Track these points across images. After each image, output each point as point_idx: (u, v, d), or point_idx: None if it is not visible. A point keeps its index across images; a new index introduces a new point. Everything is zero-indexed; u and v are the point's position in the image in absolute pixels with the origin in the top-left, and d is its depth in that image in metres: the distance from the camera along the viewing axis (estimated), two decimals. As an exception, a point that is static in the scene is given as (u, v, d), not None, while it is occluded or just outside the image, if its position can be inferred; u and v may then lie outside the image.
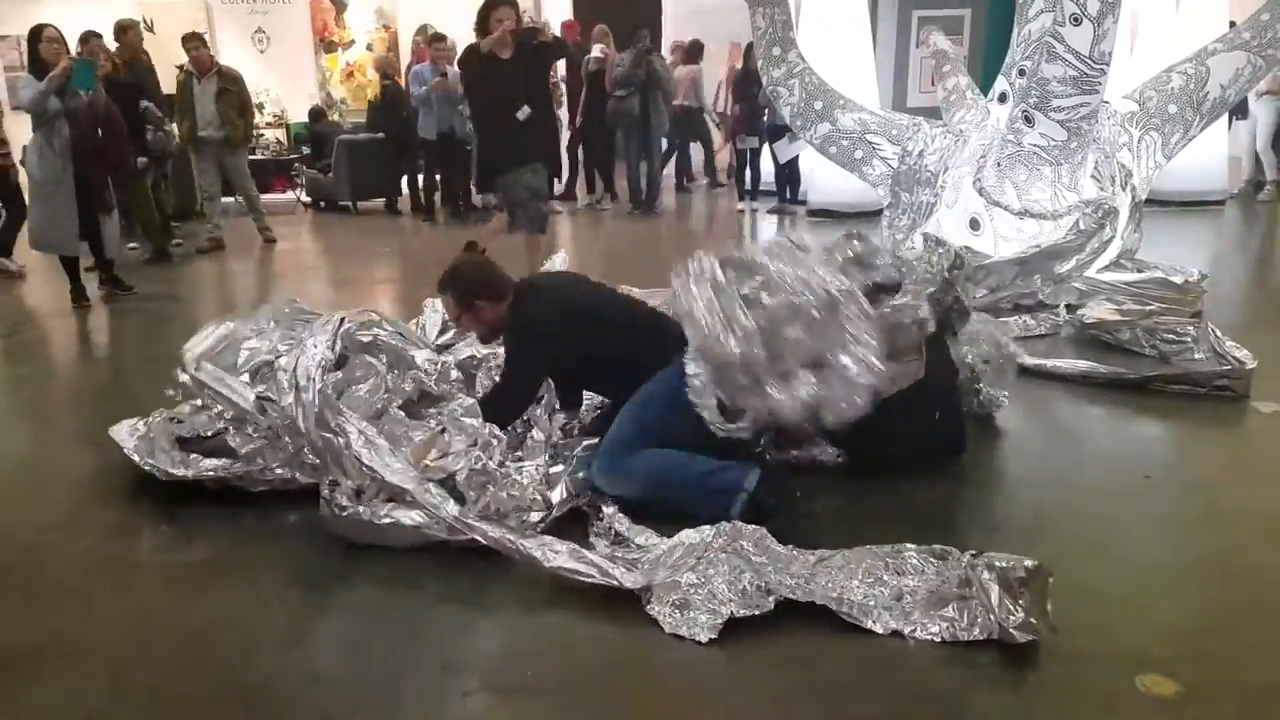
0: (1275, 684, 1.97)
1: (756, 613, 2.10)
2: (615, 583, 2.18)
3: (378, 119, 9.75)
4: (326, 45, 12.77)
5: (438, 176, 9.33)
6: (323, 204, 10.09)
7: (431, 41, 9.05)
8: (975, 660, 1.99)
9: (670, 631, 2.09)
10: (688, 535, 2.33)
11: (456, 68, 8.90)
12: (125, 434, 2.94)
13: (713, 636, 2.06)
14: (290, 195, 10.54)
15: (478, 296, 2.92)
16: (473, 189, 9.43)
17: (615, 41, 9.53)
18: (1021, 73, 4.45)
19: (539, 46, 5.25)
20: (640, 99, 9.46)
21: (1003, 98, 4.59)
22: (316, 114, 11.10)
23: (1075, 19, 3.46)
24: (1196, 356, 3.76)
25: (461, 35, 10.65)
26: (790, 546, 2.30)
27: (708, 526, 2.34)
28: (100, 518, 2.80)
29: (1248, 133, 9.13)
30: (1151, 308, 4.17)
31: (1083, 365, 3.81)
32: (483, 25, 5.04)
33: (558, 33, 6.33)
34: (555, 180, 9.37)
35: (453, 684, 1.99)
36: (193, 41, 7.62)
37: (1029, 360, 3.88)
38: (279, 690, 1.98)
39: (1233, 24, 6.01)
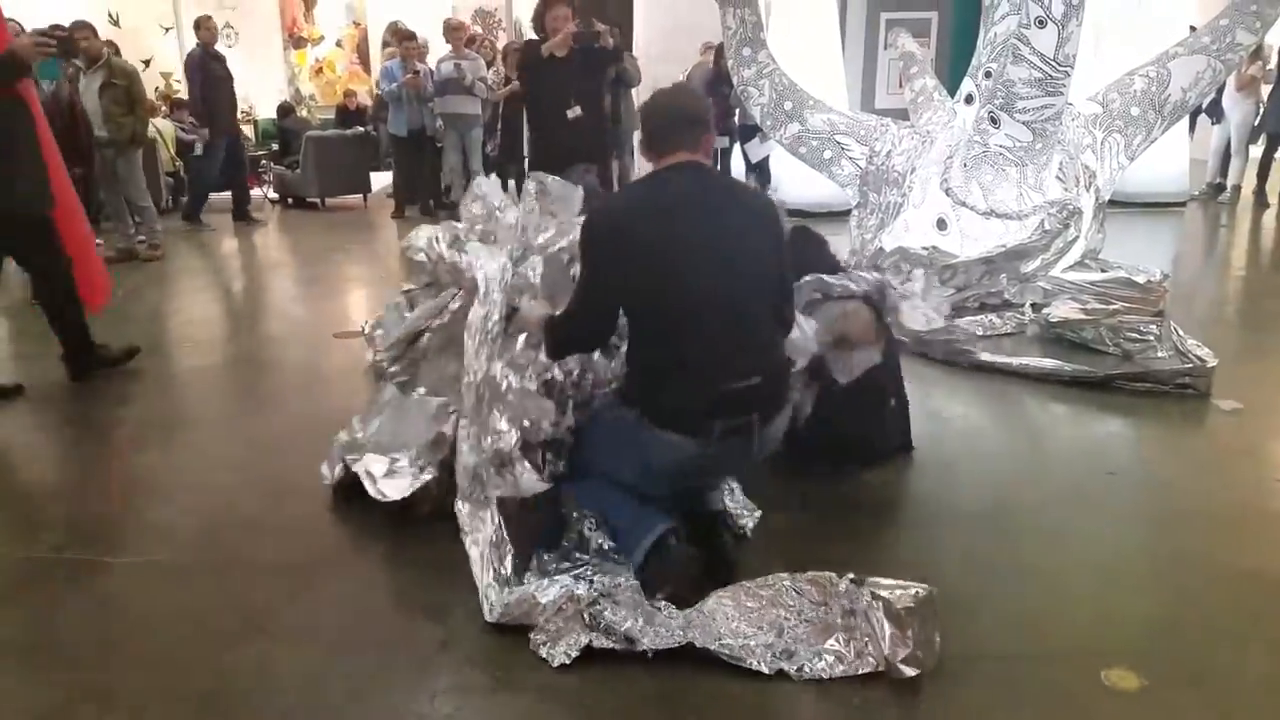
0: (1237, 676, 2.02)
1: (617, 648, 2.02)
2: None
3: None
4: (295, 41, 12.64)
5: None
6: (290, 200, 10.00)
7: (401, 39, 9.00)
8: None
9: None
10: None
11: (501, 65, 8.94)
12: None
13: (565, 662, 2.00)
14: (258, 192, 10.44)
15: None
16: (442, 184, 9.42)
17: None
18: (988, 74, 4.51)
19: (597, 50, 5.31)
20: (610, 97, 9.47)
21: (969, 99, 4.65)
22: (285, 110, 11.01)
23: (1040, 21, 3.51)
24: (1159, 355, 3.83)
25: (432, 32, 10.67)
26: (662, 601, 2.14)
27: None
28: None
29: (1220, 135, 9.31)
30: (1115, 307, 4.24)
31: (1048, 363, 3.87)
32: (539, 23, 5.16)
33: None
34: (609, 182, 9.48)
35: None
36: (83, 31, 6.61)
37: (995, 358, 3.94)
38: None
39: (1193, 28, 6.11)
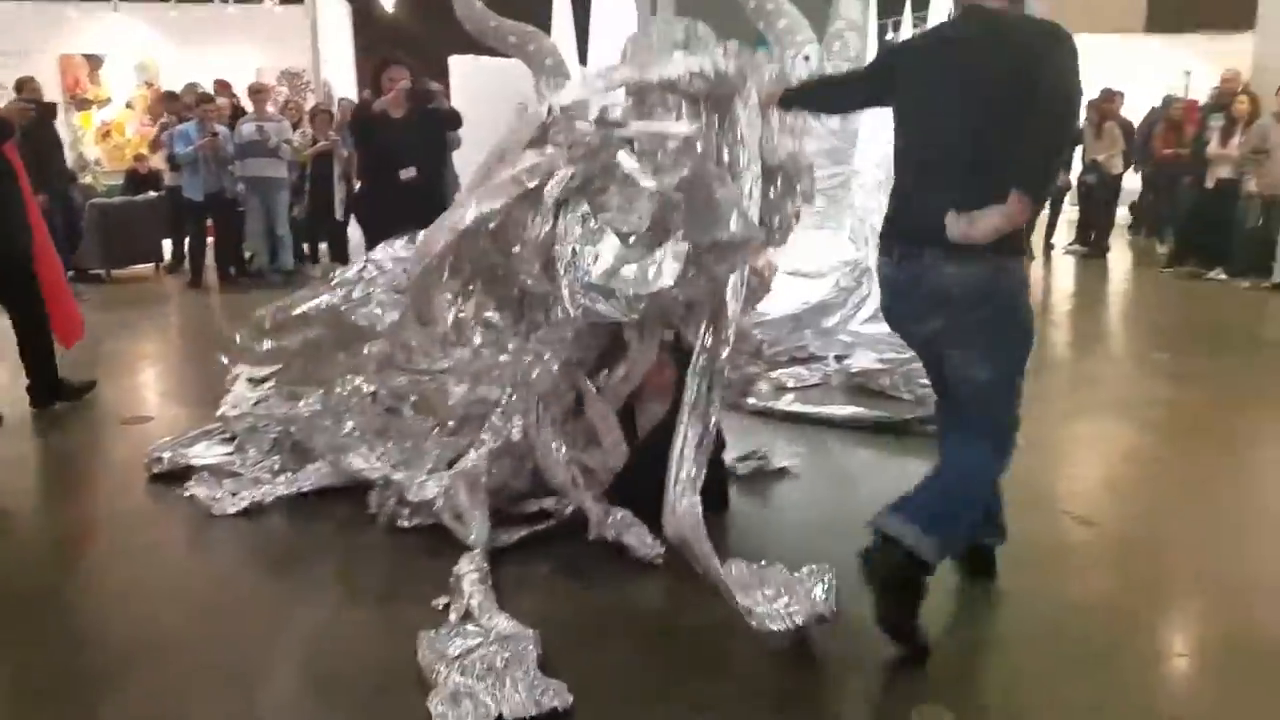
0: (1045, 707, 2.19)
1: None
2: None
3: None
4: (79, 103, 11.81)
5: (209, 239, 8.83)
6: (71, 273, 9.20)
7: (199, 101, 8.65)
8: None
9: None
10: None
11: (308, 127, 8.65)
12: None
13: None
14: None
15: None
16: (244, 252, 9.03)
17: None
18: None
19: (434, 111, 5.30)
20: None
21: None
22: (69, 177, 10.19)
23: None
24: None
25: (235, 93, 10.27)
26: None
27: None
28: None
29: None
30: (907, 355, 4.59)
31: (851, 411, 4.14)
32: (374, 84, 5.13)
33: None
34: None
35: None
36: None
37: (805, 408, 4.19)
38: None
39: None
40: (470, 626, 2.43)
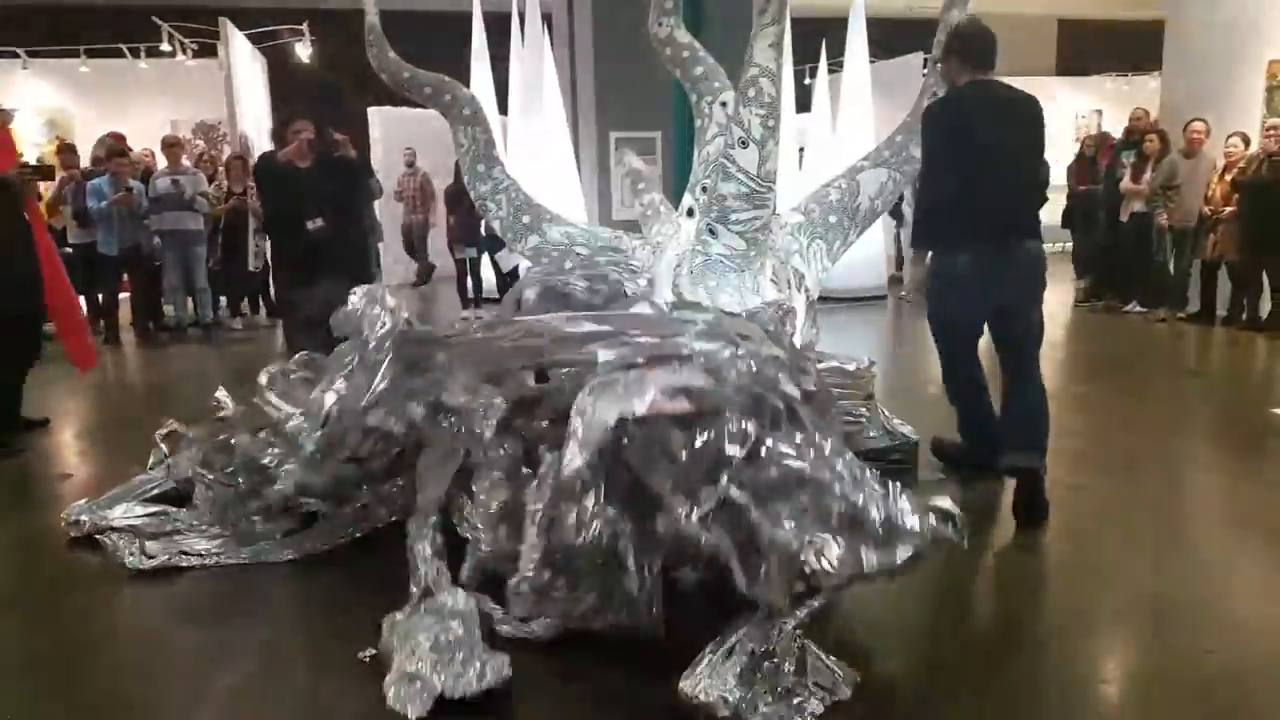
0: None
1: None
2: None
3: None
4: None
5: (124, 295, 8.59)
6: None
7: (110, 156, 8.44)
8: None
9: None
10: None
11: (224, 179, 8.49)
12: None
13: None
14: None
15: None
16: (165, 308, 8.81)
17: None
18: (704, 189, 4.88)
19: (339, 160, 5.26)
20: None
21: (690, 212, 5.00)
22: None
23: (743, 142, 3.86)
24: (870, 435, 4.21)
25: (147, 147, 10.07)
26: None
27: None
28: None
29: (904, 234, 10.63)
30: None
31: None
32: (279, 138, 5.17)
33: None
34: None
35: None
36: None
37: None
38: None
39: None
40: (425, 605, 2.55)
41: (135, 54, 12.37)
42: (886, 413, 4.30)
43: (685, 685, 2.13)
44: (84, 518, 3.56)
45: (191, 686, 2.50)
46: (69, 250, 9.10)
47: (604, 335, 2.82)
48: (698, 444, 2.34)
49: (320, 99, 8.88)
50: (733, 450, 2.33)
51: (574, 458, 2.35)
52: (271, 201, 5.43)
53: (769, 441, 2.39)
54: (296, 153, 4.98)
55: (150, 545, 3.34)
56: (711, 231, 4.15)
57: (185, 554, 3.31)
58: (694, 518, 2.28)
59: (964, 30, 3.82)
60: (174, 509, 3.62)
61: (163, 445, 4.07)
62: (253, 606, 3.02)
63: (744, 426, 2.37)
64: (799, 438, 2.41)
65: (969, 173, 3.61)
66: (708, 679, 2.13)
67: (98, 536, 3.45)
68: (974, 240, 3.67)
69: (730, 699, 2.09)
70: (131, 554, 3.28)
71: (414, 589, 2.64)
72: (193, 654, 2.70)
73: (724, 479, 2.30)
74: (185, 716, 2.37)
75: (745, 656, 2.19)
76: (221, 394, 4.36)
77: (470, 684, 2.24)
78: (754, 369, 2.53)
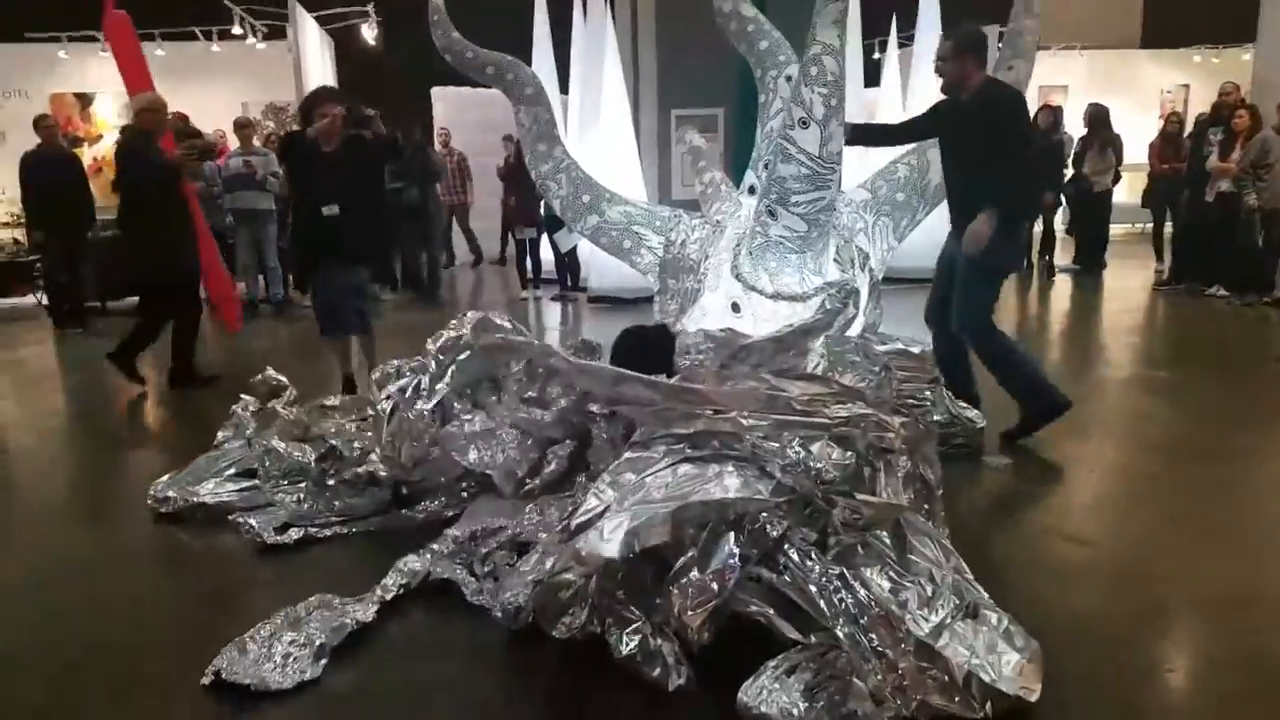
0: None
1: None
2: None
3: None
4: (71, 141, 11.87)
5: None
6: (67, 307, 9.23)
7: (181, 137, 8.65)
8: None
9: None
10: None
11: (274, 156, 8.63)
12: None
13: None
14: (31, 299, 9.61)
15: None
16: (238, 285, 9.00)
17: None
18: (767, 166, 4.80)
19: (368, 145, 5.12)
20: (418, 190, 9.45)
21: (752, 190, 4.92)
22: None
23: (803, 122, 3.77)
24: (935, 418, 4.11)
25: (219, 129, 10.33)
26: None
27: None
28: None
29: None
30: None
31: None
32: (306, 119, 4.97)
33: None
34: (390, 283, 9.26)
35: None
36: None
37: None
38: None
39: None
40: (350, 604, 2.68)
41: (208, 37, 12.67)
42: (951, 396, 4.18)
43: (744, 697, 2.07)
44: (171, 493, 3.62)
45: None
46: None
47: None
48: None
49: (386, 78, 8.88)
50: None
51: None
52: (293, 182, 5.35)
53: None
54: (324, 134, 4.83)
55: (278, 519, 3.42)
56: (771, 213, 4.08)
57: (317, 526, 3.39)
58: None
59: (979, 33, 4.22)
60: (258, 483, 3.67)
61: (250, 420, 4.13)
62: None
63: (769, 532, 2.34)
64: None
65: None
66: (770, 691, 2.08)
67: (230, 517, 3.48)
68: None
69: (794, 712, 2.02)
70: (266, 531, 3.32)
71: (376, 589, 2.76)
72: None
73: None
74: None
75: (809, 675, 2.12)
76: (270, 372, 4.44)
77: (247, 675, 2.34)
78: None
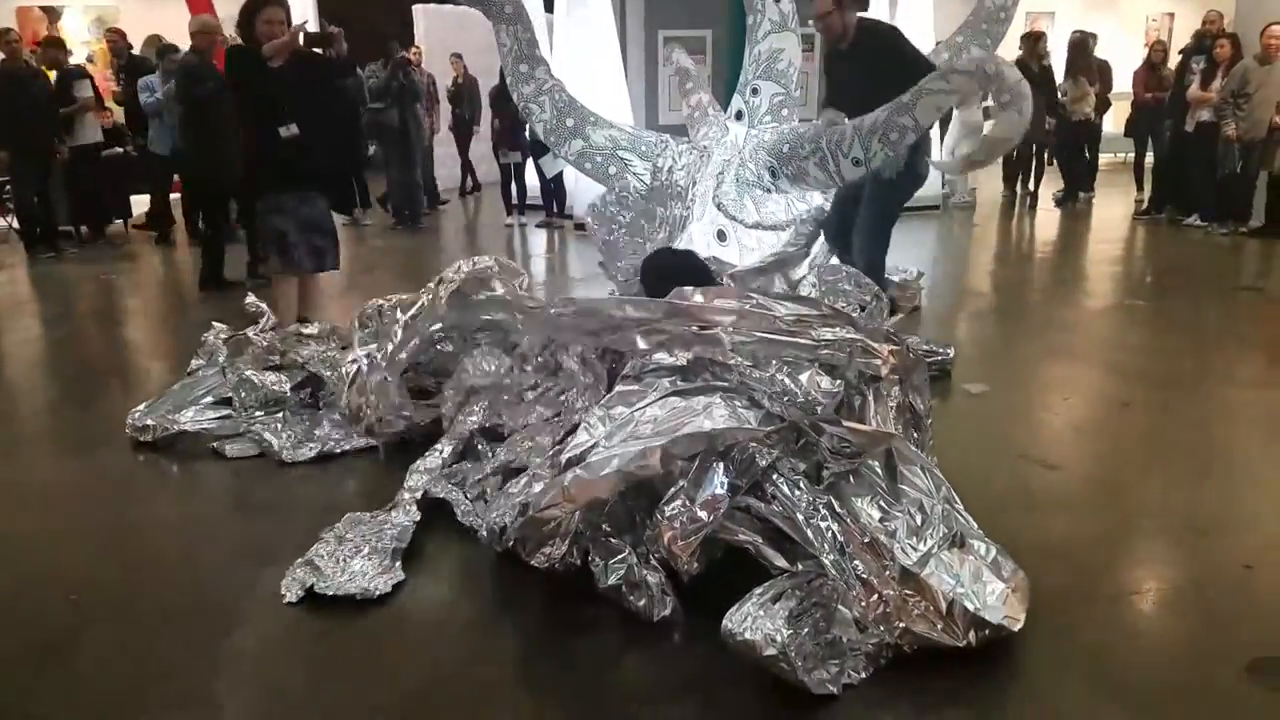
0: (1004, 645, 2.22)
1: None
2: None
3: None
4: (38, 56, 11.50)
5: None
6: (38, 229, 9.05)
7: (163, 53, 8.41)
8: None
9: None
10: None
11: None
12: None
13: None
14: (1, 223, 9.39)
15: None
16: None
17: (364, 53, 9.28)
18: (755, 91, 4.76)
19: (319, 59, 4.72)
20: (398, 111, 9.28)
21: (739, 115, 4.88)
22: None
23: (856, 162, 3.87)
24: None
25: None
26: None
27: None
28: None
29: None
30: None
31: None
32: (247, 27, 4.47)
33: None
34: (352, 209, 8.92)
35: None
36: None
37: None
38: None
39: (938, 43, 6.70)
40: (382, 515, 2.79)
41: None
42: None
43: (729, 624, 2.06)
44: (150, 421, 3.60)
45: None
46: (126, 150, 9.26)
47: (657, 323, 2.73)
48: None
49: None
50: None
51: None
52: (244, 100, 4.76)
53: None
54: (281, 47, 4.34)
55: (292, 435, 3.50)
56: (773, 174, 4.10)
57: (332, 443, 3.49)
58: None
59: None
60: (234, 410, 3.68)
61: (222, 347, 4.07)
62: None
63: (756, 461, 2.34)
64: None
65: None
66: (754, 618, 2.05)
67: (213, 445, 3.52)
68: None
69: (778, 638, 2.01)
70: (285, 448, 3.42)
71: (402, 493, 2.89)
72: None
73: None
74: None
75: (794, 602, 2.13)
76: (251, 298, 4.38)
77: (342, 587, 2.46)
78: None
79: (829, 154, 3.91)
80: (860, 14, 4.46)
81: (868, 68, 4.22)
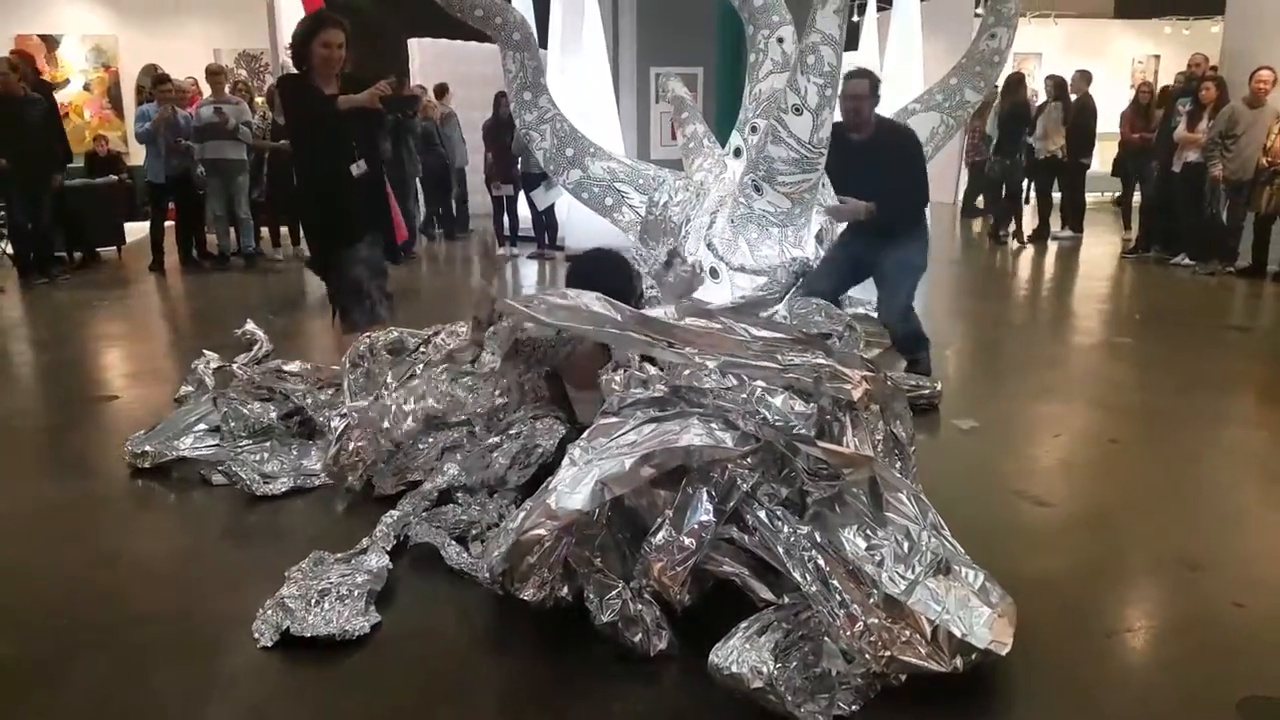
0: (989, 682, 2.20)
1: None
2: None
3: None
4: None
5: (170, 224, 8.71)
6: (31, 255, 9.04)
7: (157, 83, 8.49)
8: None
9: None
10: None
11: (266, 102, 8.16)
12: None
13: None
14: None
15: None
16: (208, 236, 8.90)
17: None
18: (754, 129, 4.80)
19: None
20: (392, 143, 9.34)
21: (738, 152, 4.93)
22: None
23: (796, 109, 3.79)
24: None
25: (190, 76, 10.10)
26: None
27: None
28: None
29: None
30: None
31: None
32: (302, 54, 4.04)
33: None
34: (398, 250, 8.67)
35: None
36: None
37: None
38: None
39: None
40: (358, 558, 2.70)
41: (180, -19, 12.36)
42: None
43: (715, 658, 2.06)
44: (148, 448, 3.59)
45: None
46: (120, 177, 9.29)
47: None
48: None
49: (362, 29, 8.81)
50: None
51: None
52: (310, 141, 4.20)
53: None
54: (348, 101, 3.96)
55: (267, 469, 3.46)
56: (756, 188, 4.10)
57: (304, 476, 3.44)
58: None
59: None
60: (222, 439, 3.64)
61: (208, 378, 4.04)
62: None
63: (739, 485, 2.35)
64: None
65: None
66: (740, 651, 2.06)
67: (219, 470, 3.50)
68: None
69: (764, 670, 2.01)
70: (254, 481, 3.36)
71: (364, 542, 2.81)
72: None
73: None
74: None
75: (780, 634, 2.12)
76: (250, 326, 4.41)
77: (315, 628, 2.38)
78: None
79: (776, 123, 3.84)
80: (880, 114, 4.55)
81: (883, 166, 4.31)
